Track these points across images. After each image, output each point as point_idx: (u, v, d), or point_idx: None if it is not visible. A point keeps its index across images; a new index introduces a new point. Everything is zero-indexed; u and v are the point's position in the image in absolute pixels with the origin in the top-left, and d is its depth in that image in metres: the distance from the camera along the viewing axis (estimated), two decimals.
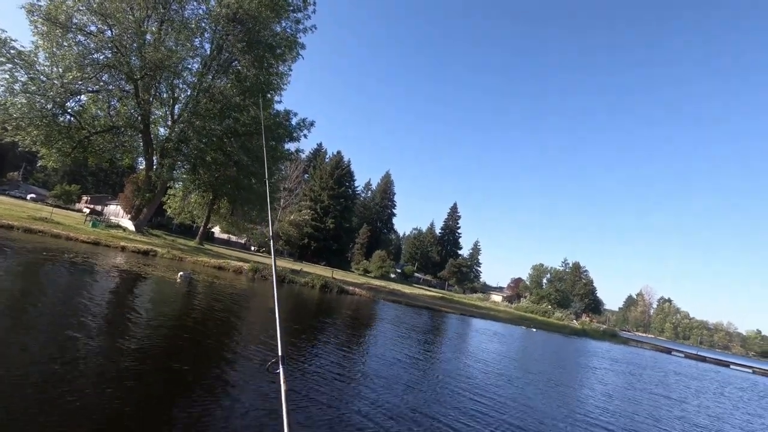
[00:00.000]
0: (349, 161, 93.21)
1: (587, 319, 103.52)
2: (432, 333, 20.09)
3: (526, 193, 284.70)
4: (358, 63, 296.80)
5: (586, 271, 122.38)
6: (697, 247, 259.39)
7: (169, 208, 43.30)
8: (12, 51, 25.48)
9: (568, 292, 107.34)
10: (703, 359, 52.93)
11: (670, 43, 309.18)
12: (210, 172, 35.40)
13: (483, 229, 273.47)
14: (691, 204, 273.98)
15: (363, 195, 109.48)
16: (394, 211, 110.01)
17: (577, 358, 23.02)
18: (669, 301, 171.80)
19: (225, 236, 71.95)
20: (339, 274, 48.42)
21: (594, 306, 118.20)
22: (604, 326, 72.95)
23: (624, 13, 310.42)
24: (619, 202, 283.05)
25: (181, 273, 17.38)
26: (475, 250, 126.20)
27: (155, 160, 33.91)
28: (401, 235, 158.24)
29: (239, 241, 73.69)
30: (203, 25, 33.24)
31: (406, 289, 49.59)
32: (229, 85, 32.90)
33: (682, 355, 52.60)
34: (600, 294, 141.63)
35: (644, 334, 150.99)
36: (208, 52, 34.52)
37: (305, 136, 38.62)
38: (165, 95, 32.90)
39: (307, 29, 37.97)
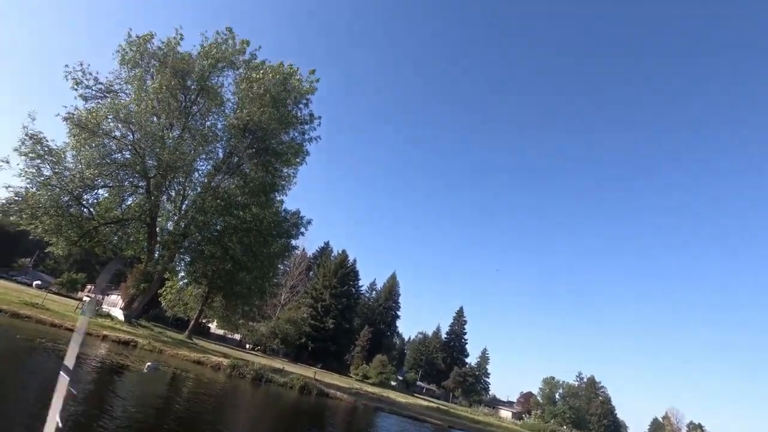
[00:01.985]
0: (354, 261, 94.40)
1: None
2: None
3: (540, 297, 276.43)
4: (374, 164, 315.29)
5: (603, 387, 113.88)
6: (725, 363, 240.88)
7: (164, 299, 43.66)
8: (45, 149, 28.68)
9: (583, 410, 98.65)
10: None
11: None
12: (207, 265, 36.48)
13: (492, 337, 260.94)
14: (723, 317, 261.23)
15: (367, 295, 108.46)
16: (398, 313, 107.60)
17: None
18: (700, 427, 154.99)
19: (221, 332, 70.63)
20: (331, 377, 46.24)
21: (614, 428, 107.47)
22: None
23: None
24: (638, 312, 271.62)
25: (149, 364, 17.27)
26: (483, 358, 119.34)
27: (157, 252, 35.41)
28: (406, 339, 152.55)
29: (234, 337, 72.02)
30: (219, 133, 37.30)
31: (401, 398, 46.68)
32: (233, 186, 35.55)
33: None
34: (621, 415, 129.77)
35: None
36: (221, 156, 38.10)
37: (302, 233, 40.26)
38: (174, 193, 35.47)
39: (313, 139, 42.03)
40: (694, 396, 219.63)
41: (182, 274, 43.80)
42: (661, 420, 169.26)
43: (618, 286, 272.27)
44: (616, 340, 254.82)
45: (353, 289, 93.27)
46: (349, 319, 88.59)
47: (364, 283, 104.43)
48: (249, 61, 38.48)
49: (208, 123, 37.14)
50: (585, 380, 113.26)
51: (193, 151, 34.96)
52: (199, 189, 36.77)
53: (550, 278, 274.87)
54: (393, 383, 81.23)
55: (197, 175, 36.61)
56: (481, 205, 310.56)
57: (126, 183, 32.57)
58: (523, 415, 71.66)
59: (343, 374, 73.14)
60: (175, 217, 36.36)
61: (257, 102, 35.75)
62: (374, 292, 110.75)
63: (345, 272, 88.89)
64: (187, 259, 38.98)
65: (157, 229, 35.66)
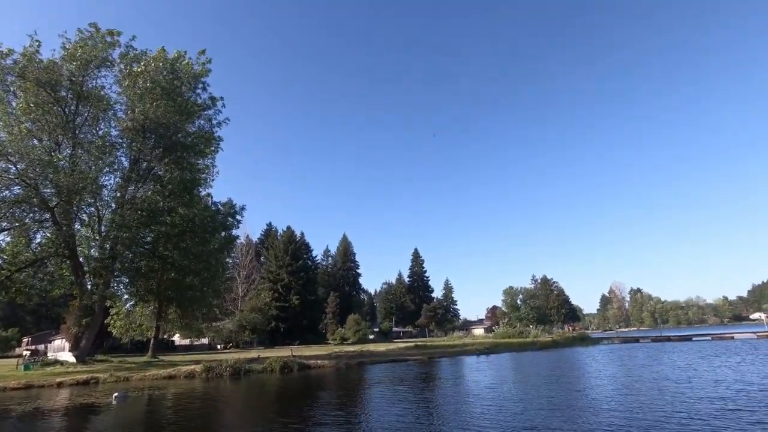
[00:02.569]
0: (302, 234, 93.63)
1: (569, 328, 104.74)
2: (345, 394, 18.91)
3: (482, 217, 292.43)
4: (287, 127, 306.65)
5: (555, 282, 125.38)
6: (652, 232, 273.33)
7: (114, 328, 41.22)
8: None
9: (543, 307, 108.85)
10: (668, 339, 54.98)
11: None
12: (148, 280, 34.60)
13: (452, 267, 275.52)
14: (636, 192, 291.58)
15: (324, 263, 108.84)
16: (358, 271, 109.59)
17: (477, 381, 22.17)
18: (639, 291, 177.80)
19: (187, 342, 68.47)
20: (311, 350, 47.01)
21: (572, 314, 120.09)
22: (575, 333, 74.10)
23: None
24: (570, 207, 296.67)
25: (116, 394, 16.62)
26: (448, 289, 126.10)
27: (89, 283, 32.88)
28: (373, 293, 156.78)
29: (203, 342, 70.22)
30: (116, 140, 34.05)
31: (381, 347, 48.71)
32: (150, 192, 33.22)
33: (649, 340, 54.34)
34: (576, 301, 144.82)
35: (626, 329, 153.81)
36: (127, 165, 35.01)
37: (238, 222, 39.00)
38: (86, 216, 32.56)
39: (222, 123, 39.64)
40: (632, 267, 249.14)
41: (126, 296, 41.38)
42: (607, 294, 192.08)
43: (547, 187, 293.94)
44: (558, 237, 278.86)
45: (309, 262, 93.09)
46: (312, 290, 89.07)
47: (317, 252, 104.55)
48: (126, 54, 34.70)
49: (101, 132, 33.71)
50: (539, 281, 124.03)
51: (93, 167, 31.86)
52: (113, 205, 33.95)
53: (491, 193, 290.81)
54: (371, 336, 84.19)
55: (107, 192, 33.67)
56: (411, 142, 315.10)
57: (27, 220, 29.31)
58: (493, 328, 77.87)
59: (322, 344, 74.55)
60: (97, 242, 33.62)
61: (148, 97, 32.73)
62: (330, 258, 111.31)
63: (295, 248, 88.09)
64: (126, 280, 36.66)
65: (81, 259, 32.87)
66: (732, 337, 51.91)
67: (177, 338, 68.21)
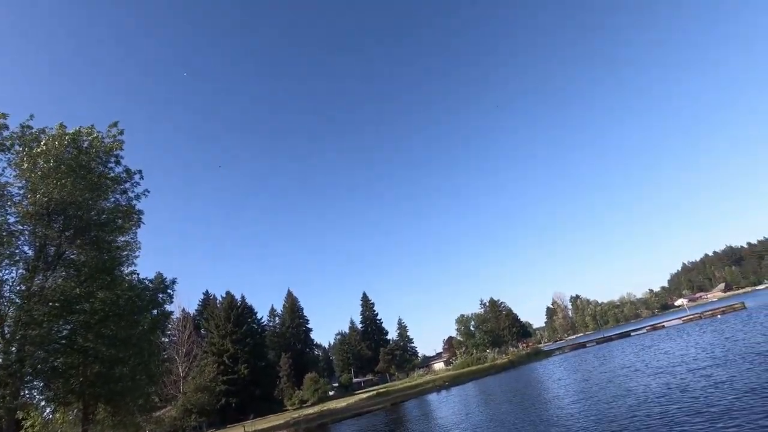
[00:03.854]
0: (242, 297, 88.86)
1: (523, 346, 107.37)
2: None
3: (425, 251, 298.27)
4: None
5: (503, 303, 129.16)
6: (581, 241, 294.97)
7: None
8: None
9: (495, 329, 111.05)
10: (610, 339, 58.43)
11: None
12: (67, 380, 30.44)
13: (403, 305, 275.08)
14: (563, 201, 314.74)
15: (271, 324, 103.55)
16: (309, 326, 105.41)
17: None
18: (578, 297, 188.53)
19: None
20: (267, 421, 43.53)
21: (523, 331, 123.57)
22: (528, 349, 76.18)
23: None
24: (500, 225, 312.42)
25: None
26: (402, 328, 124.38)
27: None
28: (327, 346, 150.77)
29: None
30: (15, 228, 30.68)
31: (342, 402, 46.47)
32: (61, 279, 29.99)
33: (594, 344, 57.36)
34: (524, 317, 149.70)
35: (574, 335, 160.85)
36: (31, 254, 31.46)
37: (171, 296, 36.15)
38: None
39: (141, 195, 37.33)
40: (570, 276, 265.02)
41: (42, 403, 35.94)
42: (551, 306, 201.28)
43: (480, 214, 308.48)
44: (498, 257, 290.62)
45: (254, 325, 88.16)
46: (262, 356, 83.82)
47: (262, 314, 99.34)
48: (22, 136, 32.03)
49: None
50: (487, 304, 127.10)
51: None
52: (18, 301, 29.99)
53: (428, 226, 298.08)
54: (332, 393, 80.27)
55: (8, 287, 29.78)
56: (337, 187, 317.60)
57: None
58: (452, 360, 77.68)
59: (279, 411, 69.49)
60: (1, 345, 29.25)
61: (52, 177, 30.15)
62: (277, 318, 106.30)
63: (238, 313, 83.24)
64: (40, 384, 31.98)
65: None
66: (663, 326, 56.14)
67: None
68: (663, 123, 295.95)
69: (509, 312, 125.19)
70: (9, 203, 31.46)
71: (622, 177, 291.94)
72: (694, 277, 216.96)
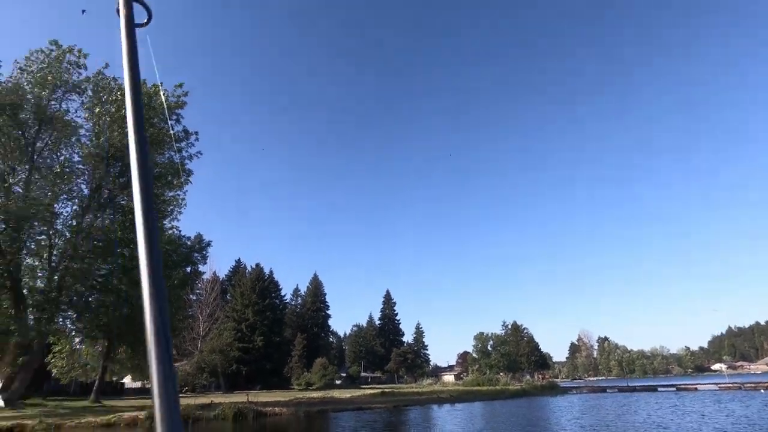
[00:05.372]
0: (271, 271, 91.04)
1: (539, 377, 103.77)
2: None
3: (457, 261, 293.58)
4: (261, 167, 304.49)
5: (525, 329, 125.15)
6: (618, 281, 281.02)
7: (55, 368, 37.84)
8: None
9: (513, 354, 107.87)
10: (634, 389, 55.11)
11: None
12: (98, 316, 32.25)
13: (423, 310, 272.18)
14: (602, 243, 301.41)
15: (293, 303, 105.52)
16: (328, 313, 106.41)
17: None
18: (606, 339, 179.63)
19: (138, 385, 63.57)
20: (272, 395, 44.28)
21: (542, 362, 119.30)
22: (544, 381, 73.33)
23: None
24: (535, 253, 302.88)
25: None
26: (419, 333, 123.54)
27: (30, 318, 30.31)
28: (342, 335, 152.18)
29: None
30: (77, 167, 32.80)
31: (346, 393, 46.53)
32: (107, 221, 31.71)
33: (616, 390, 54.33)
34: (545, 348, 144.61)
35: (595, 377, 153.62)
36: (86, 192, 33.56)
37: (203, 257, 37.53)
38: (34, 245, 30.59)
39: (193, 156, 38.97)
40: (600, 315, 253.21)
41: (72, 333, 38.38)
42: (576, 342, 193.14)
43: (518, 232, 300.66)
44: (529, 282, 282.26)
45: (277, 301, 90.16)
46: (278, 331, 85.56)
47: (287, 291, 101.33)
48: (97, 81, 34.15)
49: (62, 158, 32.42)
50: (510, 327, 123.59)
51: (49, 194, 30.35)
52: (68, 234, 32.09)
53: (462, 242, 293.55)
54: (338, 382, 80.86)
55: (62, 220, 31.94)
56: (378, 188, 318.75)
57: None
58: (463, 375, 76.19)
59: (285, 389, 70.76)
60: (45, 273, 31.41)
61: (117, 124, 31.97)
62: (299, 298, 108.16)
63: (263, 286, 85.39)
64: (73, 315, 34.12)
65: (25, 291, 30.46)
66: (695, 389, 52.45)
67: (128, 380, 63.33)
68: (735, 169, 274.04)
69: (530, 339, 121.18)
70: (77, 143, 33.83)
71: (679, 217, 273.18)
72: (738, 343, 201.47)
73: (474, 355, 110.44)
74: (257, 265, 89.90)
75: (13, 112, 27.81)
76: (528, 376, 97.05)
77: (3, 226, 26.74)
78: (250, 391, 55.32)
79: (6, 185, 28.05)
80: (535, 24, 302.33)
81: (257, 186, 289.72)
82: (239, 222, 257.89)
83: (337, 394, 45.53)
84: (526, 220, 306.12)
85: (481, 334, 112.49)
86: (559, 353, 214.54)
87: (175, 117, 38.37)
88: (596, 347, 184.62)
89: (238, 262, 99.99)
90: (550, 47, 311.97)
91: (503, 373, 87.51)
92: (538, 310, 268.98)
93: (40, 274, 31.58)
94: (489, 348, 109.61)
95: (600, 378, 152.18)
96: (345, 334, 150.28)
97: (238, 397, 37.47)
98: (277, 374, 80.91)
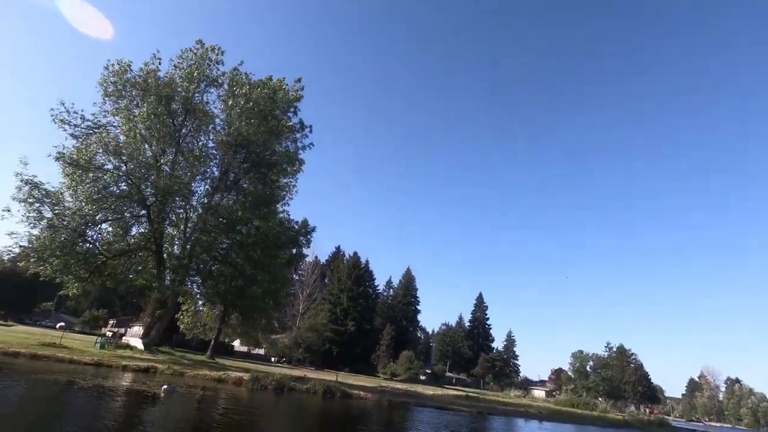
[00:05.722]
0: (367, 261, 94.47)
1: (646, 410, 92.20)
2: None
3: (557, 271, 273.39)
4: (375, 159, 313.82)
5: (634, 354, 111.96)
6: (755, 315, 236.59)
7: (182, 324, 44.04)
8: (42, 192, 29.02)
9: (616, 380, 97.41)
10: None
11: None
12: (218, 284, 36.67)
13: (516, 318, 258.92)
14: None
15: (385, 294, 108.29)
16: (418, 308, 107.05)
17: None
18: (738, 381, 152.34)
19: (244, 349, 71.06)
20: (357, 379, 46.26)
21: (651, 394, 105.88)
22: (652, 416, 64.62)
23: None
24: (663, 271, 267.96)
25: (165, 386, 17.38)
26: (510, 341, 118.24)
27: (167, 278, 35.71)
28: (430, 332, 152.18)
29: (259, 353, 72.45)
30: (212, 152, 37.48)
31: (429, 390, 46.51)
32: (231, 201, 35.68)
33: None
34: (657, 380, 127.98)
35: (718, 424, 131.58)
36: (216, 175, 38.26)
37: (307, 241, 40.23)
38: (174, 217, 35.73)
39: (306, 147, 41.98)
40: (728, 352, 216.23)
41: (197, 296, 44.30)
42: (697, 379, 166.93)
43: (634, 250, 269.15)
44: (640, 306, 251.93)
45: (370, 290, 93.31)
46: (369, 319, 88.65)
47: (380, 282, 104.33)
48: (233, 76, 38.55)
49: (200, 143, 37.39)
50: (614, 350, 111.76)
51: (188, 174, 35.16)
52: (200, 210, 37.01)
53: (566, 253, 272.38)
54: (422, 377, 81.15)
55: (196, 197, 36.86)
56: (488, 186, 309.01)
57: (126, 214, 32.91)
58: (555, 393, 71.04)
59: (371, 375, 73.21)
60: (180, 241, 36.64)
61: (245, 116, 35.82)
62: (391, 290, 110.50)
63: (359, 274, 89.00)
64: (198, 280, 39.26)
65: (165, 255, 35.96)
66: None
67: (237, 344, 71.12)
68: None
69: (638, 367, 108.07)
70: (212, 131, 38.67)
71: None
72: None
73: (570, 373, 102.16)
74: (354, 253, 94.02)
75: (167, 103, 32.68)
76: (632, 407, 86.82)
77: (153, 199, 31.72)
78: (339, 372, 58.47)
79: (158, 165, 33.21)
80: None
81: (364, 186, 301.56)
82: (343, 211, 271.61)
83: (420, 389, 45.76)
84: (645, 227, 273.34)
85: (580, 352, 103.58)
86: (673, 389, 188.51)
87: (292, 109, 41.70)
88: (723, 388, 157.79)
89: (338, 249, 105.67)
90: None
91: (602, 398, 79.73)
92: (651, 335, 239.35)
93: (176, 243, 36.75)
94: (588, 369, 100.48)
95: (726, 425, 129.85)
96: (432, 331, 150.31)
97: (328, 375, 39.73)
98: (365, 360, 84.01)
